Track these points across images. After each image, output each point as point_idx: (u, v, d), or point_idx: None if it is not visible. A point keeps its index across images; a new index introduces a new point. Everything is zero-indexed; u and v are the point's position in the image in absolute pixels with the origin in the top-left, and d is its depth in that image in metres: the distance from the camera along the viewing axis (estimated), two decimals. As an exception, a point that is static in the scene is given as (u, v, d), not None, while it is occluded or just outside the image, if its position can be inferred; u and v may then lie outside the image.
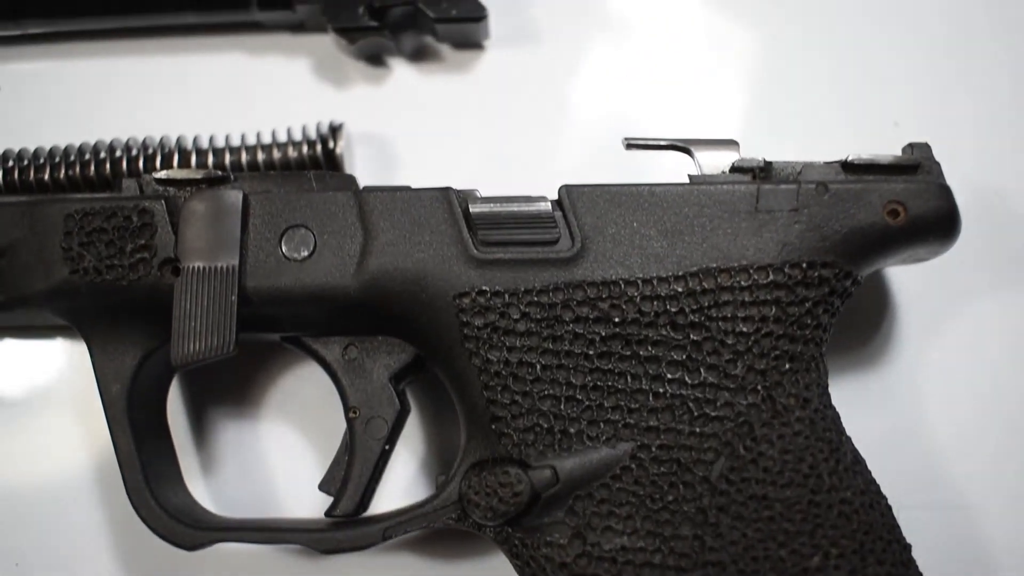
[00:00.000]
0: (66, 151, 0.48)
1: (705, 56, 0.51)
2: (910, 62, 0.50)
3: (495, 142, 0.50)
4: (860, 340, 0.47)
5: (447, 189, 0.40)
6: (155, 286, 0.40)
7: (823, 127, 0.50)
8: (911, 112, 0.50)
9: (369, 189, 0.41)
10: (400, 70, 0.51)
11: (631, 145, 0.42)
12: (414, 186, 0.41)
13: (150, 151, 0.48)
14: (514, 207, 0.39)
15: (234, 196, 0.40)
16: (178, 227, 0.40)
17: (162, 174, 0.42)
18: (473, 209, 0.39)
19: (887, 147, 0.41)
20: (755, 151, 0.41)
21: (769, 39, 0.51)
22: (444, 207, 0.40)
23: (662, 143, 0.42)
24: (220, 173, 0.41)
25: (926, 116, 0.50)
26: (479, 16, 0.48)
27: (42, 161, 0.48)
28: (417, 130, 0.50)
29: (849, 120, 0.50)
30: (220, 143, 0.48)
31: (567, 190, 0.40)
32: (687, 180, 0.40)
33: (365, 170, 0.50)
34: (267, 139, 0.48)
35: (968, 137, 0.49)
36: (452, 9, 0.47)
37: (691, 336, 0.38)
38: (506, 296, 0.39)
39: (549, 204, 0.39)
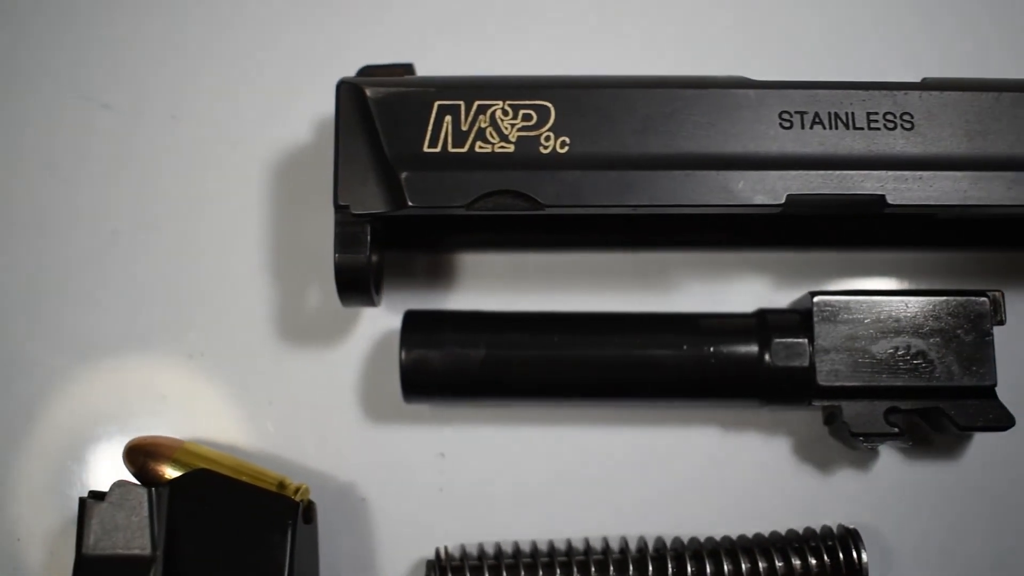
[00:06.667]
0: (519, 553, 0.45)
1: None
2: None
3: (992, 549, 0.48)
4: None
5: None
6: None
7: None
8: None
9: None
10: (887, 454, 0.48)
11: None
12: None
13: (616, 554, 0.45)
14: None
15: None
16: None
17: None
18: None
19: None
20: None
21: None
22: None
23: None
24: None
25: None
26: (1006, 426, 0.45)
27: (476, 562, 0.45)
28: (905, 524, 0.48)
29: None
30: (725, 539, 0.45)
31: None
32: None
33: None
34: (764, 538, 0.45)
35: None
36: (980, 419, 0.45)
37: None
38: None
39: None
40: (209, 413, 0.49)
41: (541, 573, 0.44)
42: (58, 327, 0.49)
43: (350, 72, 0.47)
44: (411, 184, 0.43)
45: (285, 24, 0.53)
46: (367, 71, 0.46)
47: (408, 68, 0.46)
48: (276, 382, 0.49)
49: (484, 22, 0.53)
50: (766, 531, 0.47)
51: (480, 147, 0.43)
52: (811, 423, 0.48)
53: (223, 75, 0.52)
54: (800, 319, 0.46)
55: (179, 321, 0.49)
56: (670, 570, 0.44)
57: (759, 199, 0.43)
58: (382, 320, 0.49)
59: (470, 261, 0.50)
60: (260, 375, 0.49)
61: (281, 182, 0.51)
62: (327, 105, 0.51)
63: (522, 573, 0.44)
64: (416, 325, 0.46)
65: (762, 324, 0.46)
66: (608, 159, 0.43)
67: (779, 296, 0.50)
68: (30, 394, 0.49)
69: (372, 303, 0.45)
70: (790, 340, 0.45)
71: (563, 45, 0.53)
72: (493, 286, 0.50)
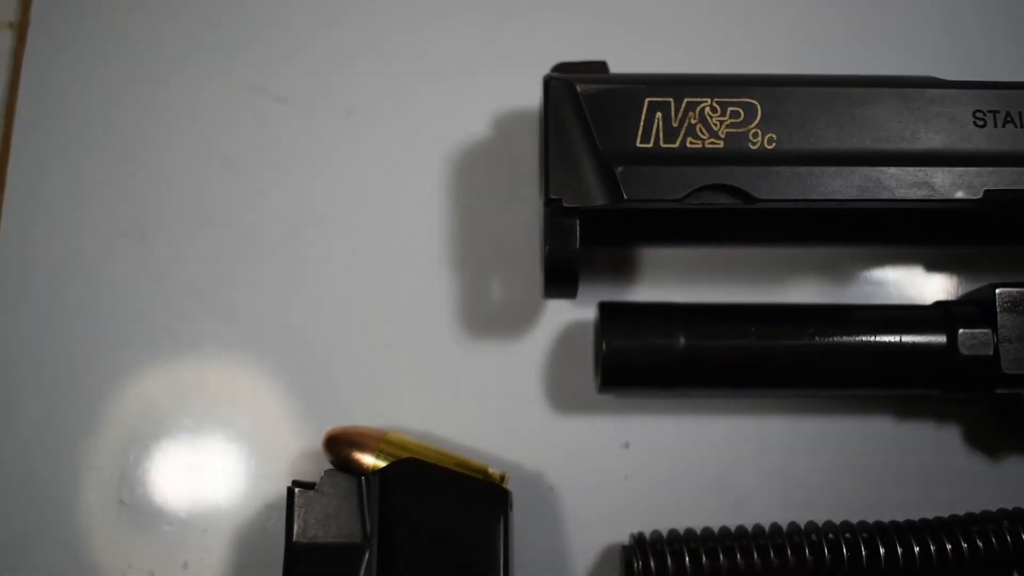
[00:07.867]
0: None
1: None
2: None
3: None
4: None
5: None
6: None
7: None
8: None
9: None
10: (1052, 442, 0.51)
11: None
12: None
13: (809, 537, 0.46)
14: None
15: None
16: None
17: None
18: None
19: None
20: None
21: None
22: None
23: None
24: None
25: None
26: None
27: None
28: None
29: None
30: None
31: None
32: None
33: None
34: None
35: None
36: None
37: None
38: None
39: None
40: (397, 403, 0.49)
41: (739, 556, 0.46)
42: (243, 320, 0.50)
43: (528, 67, 0.48)
44: (626, 178, 0.44)
45: (461, 19, 0.54)
46: (562, 68, 0.47)
47: (602, 66, 0.47)
48: (462, 373, 0.49)
49: (656, 18, 0.55)
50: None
51: (691, 143, 0.44)
52: (981, 411, 0.50)
53: (399, 70, 0.53)
54: (979, 310, 0.47)
55: (365, 313, 0.50)
56: (863, 552, 0.45)
57: (959, 194, 0.44)
58: (565, 312, 0.50)
59: (644, 255, 0.51)
60: (446, 366, 0.50)
61: (459, 176, 0.52)
62: (503, 100, 0.52)
63: (721, 557, 0.46)
64: (615, 316, 0.46)
65: (946, 315, 0.47)
66: (814, 155, 0.44)
67: (934, 288, 0.52)
68: (216, 387, 0.49)
69: (574, 295, 0.46)
70: (976, 330, 0.47)
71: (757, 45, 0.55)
72: (668, 279, 0.51)
